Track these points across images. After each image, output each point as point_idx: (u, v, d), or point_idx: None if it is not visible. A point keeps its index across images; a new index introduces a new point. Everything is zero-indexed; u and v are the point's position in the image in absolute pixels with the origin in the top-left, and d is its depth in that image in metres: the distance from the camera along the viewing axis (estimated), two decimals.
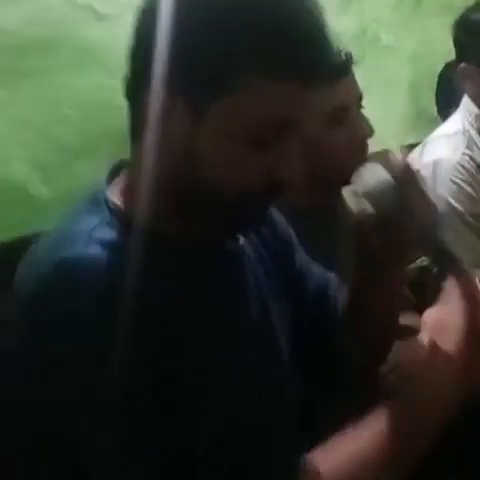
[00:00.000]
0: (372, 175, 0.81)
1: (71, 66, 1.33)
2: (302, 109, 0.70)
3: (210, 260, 0.75)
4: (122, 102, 1.42)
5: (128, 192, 0.74)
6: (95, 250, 0.67)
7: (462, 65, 1.54)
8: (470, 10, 1.55)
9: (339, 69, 0.94)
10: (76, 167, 1.35)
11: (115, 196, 0.74)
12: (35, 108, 1.27)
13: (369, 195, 0.79)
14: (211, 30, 0.66)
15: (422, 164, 1.49)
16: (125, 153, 1.41)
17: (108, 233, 0.70)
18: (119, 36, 1.46)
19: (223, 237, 0.79)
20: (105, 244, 0.68)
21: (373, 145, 1.04)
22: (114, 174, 0.77)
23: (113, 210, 0.72)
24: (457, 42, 1.56)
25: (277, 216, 0.91)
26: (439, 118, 1.92)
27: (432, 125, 1.72)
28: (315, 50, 0.67)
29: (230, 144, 0.68)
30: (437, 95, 2.20)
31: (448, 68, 1.87)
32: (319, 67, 0.68)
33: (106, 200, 0.73)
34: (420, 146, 1.58)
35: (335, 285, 0.96)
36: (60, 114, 1.30)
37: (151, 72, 0.68)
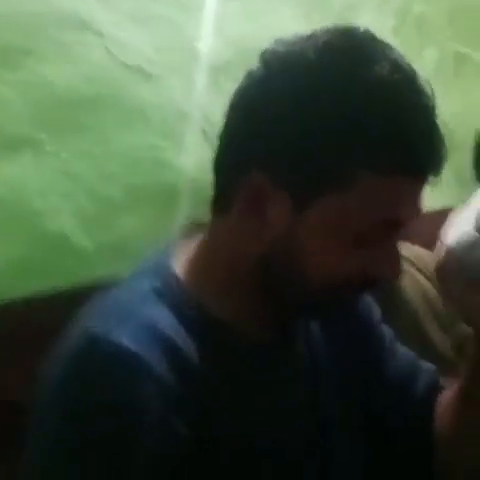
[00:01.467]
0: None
1: (120, 124, 1.36)
2: (412, 208, 0.68)
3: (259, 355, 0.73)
4: (169, 159, 1.46)
5: (195, 267, 0.73)
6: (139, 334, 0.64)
7: None
8: None
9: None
10: (120, 221, 1.36)
11: (179, 267, 0.73)
12: (83, 163, 1.30)
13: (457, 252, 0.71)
14: (323, 124, 0.65)
15: None
16: (170, 210, 1.45)
17: (158, 310, 0.68)
18: (166, 96, 1.52)
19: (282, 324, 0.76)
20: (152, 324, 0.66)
21: None
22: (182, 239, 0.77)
23: (170, 281, 0.71)
24: None
25: (362, 300, 0.86)
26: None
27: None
28: (428, 147, 0.66)
29: (331, 241, 0.66)
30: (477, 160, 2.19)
31: None
32: (431, 165, 0.67)
33: (167, 269, 0.72)
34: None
35: (431, 377, 0.86)
36: (107, 170, 1.33)
37: (255, 156, 0.68)
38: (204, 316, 0.70)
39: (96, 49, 1.34)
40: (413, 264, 1.58)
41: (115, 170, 1.35)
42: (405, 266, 1.60)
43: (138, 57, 1.41)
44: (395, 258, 0.68)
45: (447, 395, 0.83)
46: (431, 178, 0.68)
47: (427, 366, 0.87)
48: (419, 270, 1.59)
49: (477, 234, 0.69)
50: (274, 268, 0.69)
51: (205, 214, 0.78)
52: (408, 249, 1.55)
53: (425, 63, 2.17)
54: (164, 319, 0.67)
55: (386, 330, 0.90)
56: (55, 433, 0.63)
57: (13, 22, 1.24)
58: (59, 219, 1.25)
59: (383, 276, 0.68)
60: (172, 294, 0.70)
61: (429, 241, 1.67)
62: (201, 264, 0.73)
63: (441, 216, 1.37)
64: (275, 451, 0.71)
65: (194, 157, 1.44)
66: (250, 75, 0.71)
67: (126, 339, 0.63)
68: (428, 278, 1.61)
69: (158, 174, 1.42)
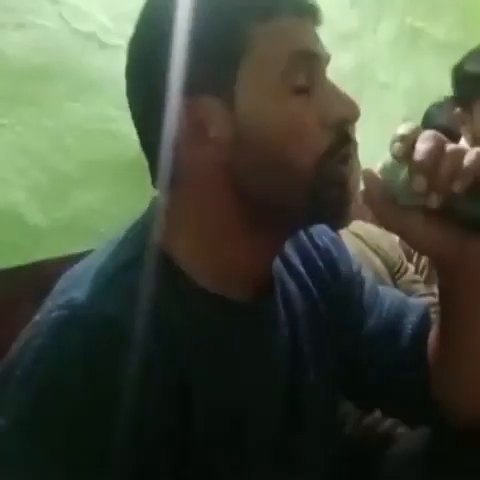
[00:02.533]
0: None
1: (73, 95, 1.32)
2: (314, 42, 0.68)
3: (236, 323, 0.71)
4: (123, 132, 1.43)
5: (172, 235, 0.70)
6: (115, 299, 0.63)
7: (457, 110, 1.57)
8: (465, 59, 1.58)
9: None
10: (74, 196, 1.33)
11: (157, 235, 0.69)
12: (35, 136, 1.26)
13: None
14: (200, 12, 0.65)
15: None
16: (123, 183, 1.42)
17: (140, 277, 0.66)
18: (121, 66, 1.47)
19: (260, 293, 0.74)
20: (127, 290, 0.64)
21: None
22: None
23: (150, 250, 0.68)
24: (454, 88, 1.60)
25: (341, 255, 0.86)
26: None
27: None
28: None
29: (273, 102, 0.65)
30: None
31: (435, 107, 1.90)
32: (304, 2, 0.68)
33: (145, 238, 0.69)
34: None
35: (419, 315, 0.85)
36: (60, 143, 1.29)
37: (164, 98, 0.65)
38: (186, 284, 0.69)
39: (50, 16, 1.29)
40: (363, 240, 1.60)
41: (69, 143, 1.31)
42: (355, 242, 1.63)
43: (93, 25, 1.36)
44: (345, 95, 0.69)
45: (433, 330, 0.84)
46: (313, 16, 0.70)
47: (415, 304, 0.88)
48: (368, 246, 1.62)
49: (393, 158, 0.69)
50: (252, 181, 0.67)
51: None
52: (358, 226, 1.58)
53: (382, 35, 2.18)
54: (146, 287, 0.66)
55: (367, 278, 0.90)
56: (33, 405, 0.61)
57: None
58: (12, 195, 1.22)
59: (344, 115, 0.68)
60: (152, 262, 0.68)
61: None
62: (177, 231, 0.71)
63: None
64: (257, 418, 0.72)
65: None
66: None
67: (110, 306, 0.62)
68: (377, 254, 1.64)
69: (112, 146, 1.39)
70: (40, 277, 1.34)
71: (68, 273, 0.71)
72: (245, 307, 0.73)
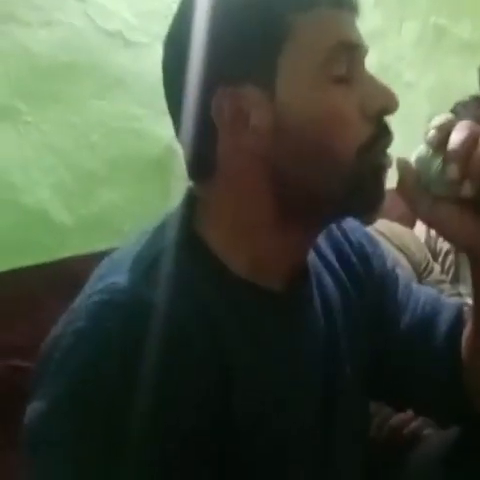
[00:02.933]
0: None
1: (99, 93, 1.32)
2: (354, 33, 0.68)
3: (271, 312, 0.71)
4: (147, 130, 1.43)
5: (210, 225, 0.71)
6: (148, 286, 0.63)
7: None
8: None
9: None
10: (99, 194, 1.34)
11: (194, 224, 0.71)
12: (61, 134, 1.26)
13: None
14: (231, 8, 0.66)
15: None
16: (149, 182, 1.42)
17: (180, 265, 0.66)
18: (147, 64, 1.48)
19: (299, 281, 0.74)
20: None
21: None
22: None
23: (188, 238, 0.69)
24: None
25: (375, 251, 0.86)
26: None
27: None
28: None
29: (314, 91, 0.66)
30: None
31: (460, 105, 1.89)
32: None
33: (183, 226, 0.70)
34: None
35: (453, 313, 0.84)
36: (86, 140, 1.29)
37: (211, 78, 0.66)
38: (221, 271, 0.69)
39: (76, 14, 1.29)
40: (388, 239, 1.59)
41: (95, 141, 1.31)
42: (382, 241, 1.63)
43: (118, 23, 1.36)
44: (384, 87, 0.69)
45: (467, 328, 0.82)
46: (352, 6, 0.70)
47: (449, 301, 0.87)
48: (394, 245, 1.61)
49: (428, 148, 0.69)
50: (290, 170, 0.67)
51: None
52: (384, 225, 1.57)
53: (407, 35, 2.16)
54: (189, 274, 0.67)
55: (401, 275, 0.89)
56: (71, 388, 0.61)
57: None
58: (39, 193, 1.22)
59: (383, 105, 0.68)
60: (192, 251, 0.69)
61: (405, 216, 1.69)
62: (212, 221, 0.71)
63: None
64: (294, 406, 0.72)
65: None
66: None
67: (150, 292, 0.63)
68: (403, 253, 1.62)
69: (137, 144, 1.39)
70: (65, 274, 1.35)
71: (106, 260, 0.71)
72: (279, 295, 0.73)
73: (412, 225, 1.73)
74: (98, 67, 1.32)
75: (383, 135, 0.69)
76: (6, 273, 1.20)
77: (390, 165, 0.71)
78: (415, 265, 1.61)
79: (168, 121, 1.44)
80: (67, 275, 1.26)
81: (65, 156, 1.27)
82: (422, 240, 1.68)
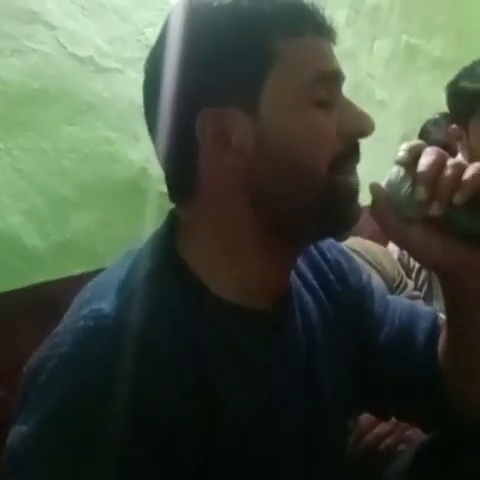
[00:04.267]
0: None
1: (70, 118, 1.33)
2: (334, 61, 0.72)
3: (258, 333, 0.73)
4: (120, 154, 1.44)
5: (191, 246, 0.72)
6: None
7: (453, 126, 1.57)
8: (459, 75, 1.59)
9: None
10: (72, 218, 1.34)
11: (176, 247, 0.72)
12: (32, 159, 1.27)
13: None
14: (218, 29, 0.69)
15: None
16: (122, 206, 1.43)
17: (162, 287, 0.68)
18: (119, 89, 1.49)
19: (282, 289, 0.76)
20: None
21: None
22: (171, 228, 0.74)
23: (170, 261, 0.71)
24: (448, 105, 1.60)
25: (351, 267, 0.89)
26: None
27: None
28: (314, 9, 0.72)
29: (296, 112, 0.69)
30: None
31: (431, 122, 1.92)
32: (324, 21, 0.72)
33: (165, 249, 0.71)
34: None
35: (429, 322, 0.87)
36: (58, 166, 1.30)
37: (193, 101, 0.69)
38: (204, 293, 0.71)
39: (46, 41, 1.30)
40: (362, 256, 1.61)
41: (66, 166, 1.32)
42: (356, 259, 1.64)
43: (90, 49, 1.37)
44: (361, 112, 0.73)
45: (442, 335, 0.85)
46: (331, 36, 0.74)
47: (424, 310, 0.90)
48: (369, 263, 1.62)
49: (401, 169, 0.73)
50: (271, 188, 0.70)
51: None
52: (357, 242, 1.58)
53: (378, 54, 2.19)
54: (170, 297, 0.68)
55: (377, 288, 0.92)
56: (57, 411, 0.62)
57: None
58: (10, 219, 1.22)
59: (359, 129, 0.72)
60: (174, 274, 0.71)
61: (378, 234, 1.70)
62: (194, 242, 0.73)
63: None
64: (276, 426, 0.73)
65: (146, 150, 1.42)
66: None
67: (135, 318, 0.64)
68: (377, 269, 1.64)
69: (110, 168, 1.40)
70: (40, 299, 1.35)
71: (90, 285, 0.73)
72: (262, 316, 0.74)
73: (385, 243, 1.75)
74: (70, 93, 1.33)
75: (352, 154, 0.73)
76: None
77: (358, 184, 0.74)
78: (388, 281, 1.62)
79: (141, 144, 1.46)
80: (42, 300, 1.27)
81: (37, 182, 1.27)
82: (395, 256, 1.70)
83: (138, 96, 1.48)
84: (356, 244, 1.63)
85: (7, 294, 1.23)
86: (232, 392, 0.68)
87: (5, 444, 0.64)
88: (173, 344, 0.65)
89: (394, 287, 1.69)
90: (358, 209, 0.74)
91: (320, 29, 0.72)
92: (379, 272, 1.68)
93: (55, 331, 0.68)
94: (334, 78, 0.73)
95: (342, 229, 0.75)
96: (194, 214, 0.73)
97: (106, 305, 0.65)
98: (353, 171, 0.73)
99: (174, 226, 0.75)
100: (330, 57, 0.73)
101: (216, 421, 0.67)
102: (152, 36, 1.54)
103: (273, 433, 0.73)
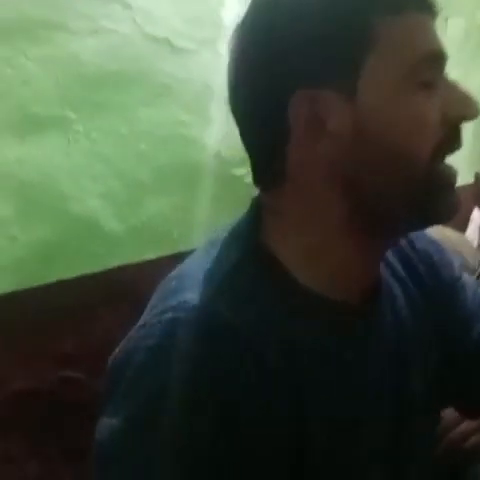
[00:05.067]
0: None
1: (146, 101, 1.31)
2: (438, 40, 0.67)
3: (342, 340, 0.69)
4: (195, 137, 1.42)
5: (279, 236, 0.69)
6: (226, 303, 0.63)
7: None
8: None
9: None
10: (147, 202, 1.33)
11: (263, 236, 0.69)
12: (111, 143, 1.26)
13: None
14: (316, 9, 0.65)
15: None
16: (197, 190, 1.41)
17: (251, 280, 0.66)
18: (194, 71, 1.47)
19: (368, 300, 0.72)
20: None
21: None
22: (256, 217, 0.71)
23: (258, 252, 0.68)
24: None
25: (442, 259, 0.83)
26: None
27: None
28: None
29: (399, 97, 0.64)
30: None
31: None
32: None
33: (252, 239, 0.69)
34: None
35: None
36: (134, 150, 1.29)
37: (289, 79, 0.65)
38: (291, 285, 0.67)
39: (123, 21, 1.28)
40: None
41: (143, 150, 1.31)
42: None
43: (166, 30, 1.35)
44: (466, 94, 0.68)
45: None
46: (433, 12, 0.69)
47: None
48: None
49: None
50: (366, 176, 0.66)
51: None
52: (436, 230, 1.53)
53: (452, 32, 2.12)
54: (261, 290, 0.66)
55: (469, 282, 0.86)
56: (145, 406, 0.60)
57: None
58: (89, 202, 1.22)
59: (464, 112, 0.67)
60: (261, 265, 0.68)
61: (457, 221, 1.65)
62: (281, 232, 0.69)
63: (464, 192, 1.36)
64: (368, 423, 0.70)
65: (221, 133, 1.40)
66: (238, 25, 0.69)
67: (224, 310, 0.62)
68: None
69: (185, 152, 1.38)
70: (116, 284, 1.35)
71: (175, 273, 0.70)
72: (351, 309, 0.70)
73: (464, 230, 1.69)
74: (146, 74, 1.32)
75: (454, 139, 0.68)
76: (56, 283, 1.20)
77: (456, 173, 0.69)
78: (469, 271, 1.57)
79: (215, 128, 1.44)
80: (119, 284, 1.27)
81: (114, 165, 1.26)
82: (475, 244, 1.64)
83: (212, 77, 1.48)
84: (435, 232, 1.58)
85: (85, 278, 1.23)
86: (322, 390, 0.66)
87: (87, 425, 0.63)
88: (262, 338, 0.62)
89: (476, 277, 1.63)
90: (456, 199, 0.69)
91: (423, 5, 0.67)
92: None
93: (141, 321, 0.66)
94: (440, 58, 0.68)
95: (439, 220, 0.71)
96: (282, 201, 0.69)
97: (194, 296, 0.63)
98: (451, 154, 0.68)
99: (259, 213, 0.71)
100: (434, 36, 0.68)
101: (305, 422, 0.64)
102: (227, 17, 1.53)
103: (359, 436, 0.69)
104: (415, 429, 0.76)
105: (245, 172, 1.48)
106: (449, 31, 2.19)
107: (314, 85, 0.65)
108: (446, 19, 2.20)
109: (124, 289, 1.26)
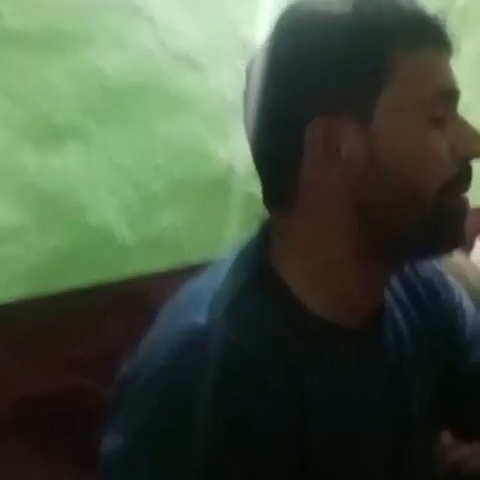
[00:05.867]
0: None
1: (165, 115, 1.33)
2: (453, 78, 0.69)
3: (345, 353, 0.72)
4: (211, 151, 1.44)
5: (286, 259, 0.70)
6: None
7: None
8: None
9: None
10: (161, 215, 1.35)
11: (271, 258, 0.71)
12: (129, 155, 1.28)
13: None
14: (337, 37, 0.66)
15: None
16: (210, 204, 1.43)
17: (259, 302, 0.67)
18: (214, 86, 1.48)
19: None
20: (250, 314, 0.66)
21: None
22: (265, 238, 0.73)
23: (266, 274, 0.69)
24: None
25: (443, 284, 0.85)
26: None
27: None
28: (437, 21, 0.69)
29: (411, 129, 0.67)
30: None
31: None
32: (446, 34, 0.69)
33: (261, 260, 0.70)
34: None
35: None
36: (151, 162, 1.31)
37: (307, 106, 0.67)
38: (297, 308, 0.69)
39: (146, 36, 1.30)
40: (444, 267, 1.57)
41: (159, 162, 1.33)
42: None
43: (187, 45, 1.37)
44: (475, 132, 0.71)
45: None
46: (450, 50, 0.71)
47: None
48: (451, 273, 1.59)
49: None
50: (377, 203, 0.68)
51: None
52: None
53: (465, 53, 2.13)
54: (267, 313, 0.67)
55: (468, 307, 0.87)
56: (151, 426, 0.62)
57: (64, 6, 1.20)
58: (104, 213, 1.24)
59: (474, 152, 0.69)
60: (270, 287, 0.69)
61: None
62: (290, 255, 0.71)
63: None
64: (369, 442, 0.72)
65: (239, 149, 1.41)
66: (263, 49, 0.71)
67: (234, 335, 0.64)
68: (460, 281, 1.60)
69: (200, 166, 1.40)
70: (128, 293, 1.36)
71: (184, 292, 0.71)
72: (355, 333, 0.72)
73: (468, 251, 1.70)
74: (166, 89, 1.34)
75: (466, 178, 0.70)
76: (69, 291, 1.22)
77: (467, 208, 0.71)
78: (472, 293, 1.58)
79: (231, 143, 1.45)
80: (130, 294, 1.28)
81: (131, 177, 1.28)
82: (479, 268, 1.65)
83: (230, 93, 1.50)
84: None
85: (97, 287, 1.24)
86: (326, 411, 0.68)
87: (96, 432, 0.64)
88: (266, 360, 0.64)
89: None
90: (463, 233, 0.71)
91: (440, 42, 0.69)
92: (462, 283, 1.65)
93: (149, 339, 0.68)
94: (453, 95, 0.70)
95: (444, 251, 0.73)
96: (291, 224, 0.71)
97: (202, 319, 0.64)
98: (462, 195, 0.70)
99: (267, 235, 0.73)
100: (449, 73, 0.70)
101: (309, 444, 0.66)
102: (247, 34, 1.55)
103: (360, 451, 0.71)
104: (414, 448, 0.78)
105: (258, 189, 1.50)
106: (462, 51, 2.21)
107: (331, 112, 0.67)
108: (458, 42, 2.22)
109: (135, 299, 1.27)
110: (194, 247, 1.38)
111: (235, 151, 1.42)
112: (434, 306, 0.83)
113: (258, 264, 0.70)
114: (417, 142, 0.67)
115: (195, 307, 0.67)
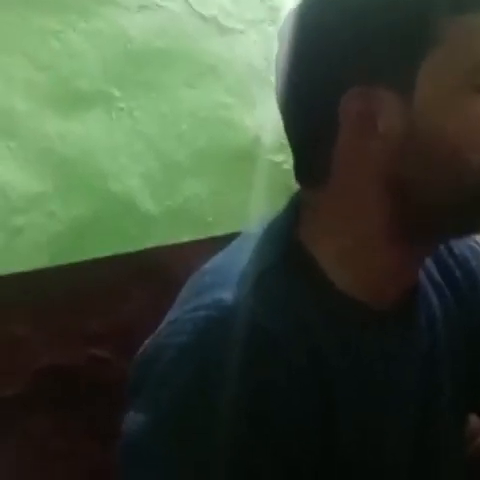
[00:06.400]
0: None
1: (191, 81, 1.29)
2: None
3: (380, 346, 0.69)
4: (236, 120, 1.40)
5: (317, 236, 0.67)
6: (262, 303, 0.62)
7: None
8: None
9: None
10: (184, 185, 1.31)
11: (300, 235, 0.68)
12: (152, 122, 1.24)
13: None
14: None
15: None
16: (234, 174, 1.39)
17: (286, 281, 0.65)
18: (239, 52, 1.44)
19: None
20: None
21: None
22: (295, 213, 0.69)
23: (295, 251, 0.66)
24: None
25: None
26: None
27: None
28: None
29: (457, 99, 0.62)
30: None
31: None
32: None
33: (290, 237, 0.67)
34: None
35: None
36: (175, 130, 1.27)
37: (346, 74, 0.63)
38: (327, 287, 0.67)
39: None
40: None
41: (183, 131, 1.29)
42: None
43: (215, 8, 1.32)
44: None
45: None
46: None
47: None
48: None
49: None
50: (415, 179, 0.64)
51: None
52: None
53: None
54: (294, 292, 0.65)
55: None
56: (174, 405, 0.60)
57: None
58: (127, 181, 1.21)
59: None
60: (298, 264, 0.67)
61: None
62: (321, 232, 0.68)
63: None
64: (393, 430, 0.69)
65: (265, 117, 1.37)
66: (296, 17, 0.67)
67: (262, 315, 0.61)
68: None
69: (225, 135, 1.36)
70: (149, 265, 1.34)
71: (209, 267, 0.69)
72: (386, 315, 0.69)
73: None
74: (191, 53, 1.29)
75: None
76: (89, 261, 1.20)
77: None
78: None
79: (257, 112, 1.41)
80: (153, 265, 1.26)
81: (154, 145, 1.25)
82: None
83: (257, 59, 1.45)
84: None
85: (119, 258, 1.22)
86: (349, 394, 0.65)
87: (115, 405, 0.63)
88: (294, 344, 0.62)
89: None
90: None
91: None
92: None
93: (172, 316, 0.65)
94: None
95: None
96: (324, 199, 0.67)
97: (228, 295, 0.62)
98: None
99: (297, 211, 0.70)
100: None
101: (334, 427, 0.63)
102: None
103: (385, 438, 0.69)
104: (442, 435, 0.75)
105: (284, 158, 1.46)
106: None
107: (370, 81, 0.62)
108: None
109: (156, 270, 1.25)
110: (218, 218, 1.35)
111: (262, 120, 1.38)
112: (470, 287, 0.79)
113: (287, 240, 0.67)
114: (461, 111, 0.62)
115: (222, 283, 0.64)
